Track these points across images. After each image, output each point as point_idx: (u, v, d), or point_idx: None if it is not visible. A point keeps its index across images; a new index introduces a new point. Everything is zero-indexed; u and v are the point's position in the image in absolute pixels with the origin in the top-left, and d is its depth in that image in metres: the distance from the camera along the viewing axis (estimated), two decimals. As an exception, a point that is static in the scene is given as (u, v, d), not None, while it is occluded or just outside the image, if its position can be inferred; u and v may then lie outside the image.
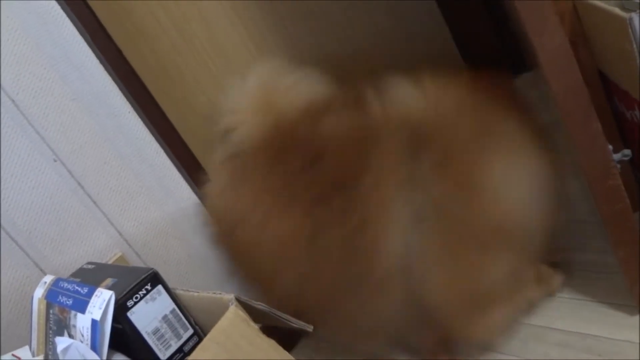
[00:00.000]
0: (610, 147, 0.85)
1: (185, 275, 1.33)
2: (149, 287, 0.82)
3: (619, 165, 0.86)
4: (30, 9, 1.14)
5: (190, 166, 1.30)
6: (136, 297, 0.81)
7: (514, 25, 0.86)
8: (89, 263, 1.05)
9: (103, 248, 1.21)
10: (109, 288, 0.82)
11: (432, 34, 1.66)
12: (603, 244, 1.16)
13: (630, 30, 0.81)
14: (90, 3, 1.20)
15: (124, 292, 0.80)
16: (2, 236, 1.10)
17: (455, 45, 1.67)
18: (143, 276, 0.82)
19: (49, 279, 0.95)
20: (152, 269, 0.83)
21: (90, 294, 0.82)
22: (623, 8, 0.94)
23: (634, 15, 0.80)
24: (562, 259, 1.18)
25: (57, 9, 1.16)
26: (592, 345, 1.01)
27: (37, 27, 1.15)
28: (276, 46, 1.71)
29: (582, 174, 0.90)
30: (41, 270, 1.14)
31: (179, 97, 1.56)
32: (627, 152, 0.87)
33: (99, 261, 1.18)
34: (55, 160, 1.17)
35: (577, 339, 1.04)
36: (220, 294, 0.77)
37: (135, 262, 1.25)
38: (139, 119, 1.26)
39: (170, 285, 0.86)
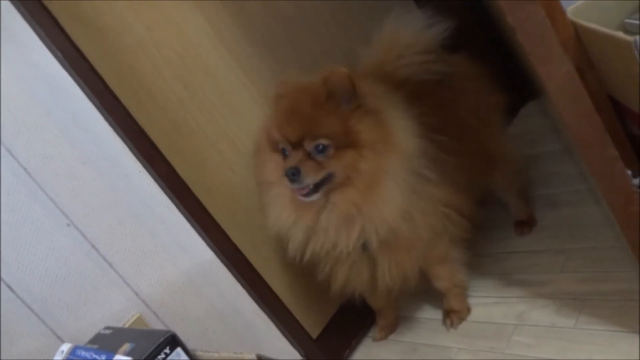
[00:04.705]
0: (629, 172, 0.83)
1: (204, 331, 1.30)
2: (167, 350, 0.80)
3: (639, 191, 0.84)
4: (38, 77, 1.15)
5: (203, 220, 1.29)
6: (155, 362, 0.79)
7: (519, 55, 0.86)
8: (106, 328, 1.03)
9: (120, 310, 1.19)
10: (127, 353, 0.81)
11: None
12: (631, 270, 1.12)
13: (636, 52, 0.80)
14: (96, 66, 1.22)
15: (143, 358, 0.78)
16: (18, 305, 1.09)
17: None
18: (161, 339, 0.81)
19: (66, 347, 0.93)
20: (170, 331, 0.82)
21: (108, 362, 0.80)
22: (625, 30, 0.93)
23: (638, 38, 0.79)
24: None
25: (65, 76, 1.18)
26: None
27: (46, 94, 1.16)
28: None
29: (604, 200, 0.88)
30: (58, 337, 1.12)
31: (188, 152, 1.57)
32: (647, 176, 0.85)
33: (116, 323, 1.16)
34: (68, 225, 1.16)
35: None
36: (241, 353, 0.75)
37: (153, 321, 1.23)
38: (150, 178, 1.25)
39: (190, 343, 0.84)
